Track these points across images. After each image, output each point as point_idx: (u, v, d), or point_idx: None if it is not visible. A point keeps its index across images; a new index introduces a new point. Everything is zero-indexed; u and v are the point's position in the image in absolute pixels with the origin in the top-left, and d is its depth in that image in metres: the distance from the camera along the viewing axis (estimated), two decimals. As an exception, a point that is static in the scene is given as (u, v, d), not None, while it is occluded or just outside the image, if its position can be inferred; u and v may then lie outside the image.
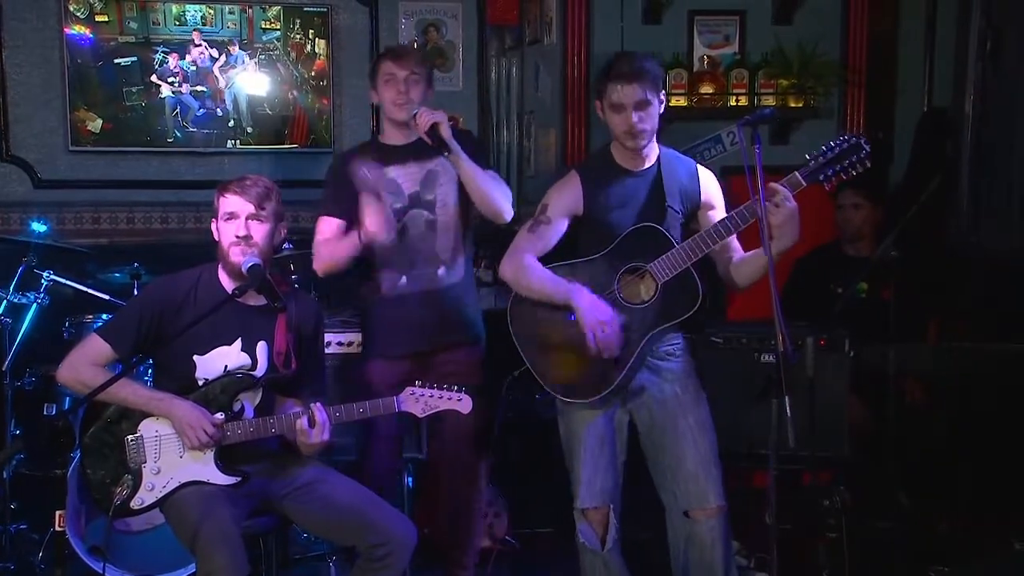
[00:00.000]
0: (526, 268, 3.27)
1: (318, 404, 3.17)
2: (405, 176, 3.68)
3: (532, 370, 3.32)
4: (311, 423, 3.13)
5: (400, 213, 3.65)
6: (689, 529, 3.27)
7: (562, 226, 3.30)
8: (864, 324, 3.88)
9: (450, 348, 3.73)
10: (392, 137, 3.73)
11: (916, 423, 4.04)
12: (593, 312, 3.15)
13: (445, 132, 3.52)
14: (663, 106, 3.28)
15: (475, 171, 3.58)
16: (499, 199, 3.63)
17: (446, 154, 3.53)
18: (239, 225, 3.20)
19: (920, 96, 5.20)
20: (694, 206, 3.34)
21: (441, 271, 3.70)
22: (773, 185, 3.08)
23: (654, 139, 3.31)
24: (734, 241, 3.31)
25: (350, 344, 4.37)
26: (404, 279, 3.67)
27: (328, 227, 3.66)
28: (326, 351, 3.69)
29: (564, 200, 3.31)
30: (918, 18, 5.17)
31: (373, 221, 3.49)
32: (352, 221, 3.59)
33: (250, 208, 3.21)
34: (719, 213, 3.33)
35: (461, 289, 3.76)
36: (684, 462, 3.25)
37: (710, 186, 3.37)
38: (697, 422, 3.27)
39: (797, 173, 3.12)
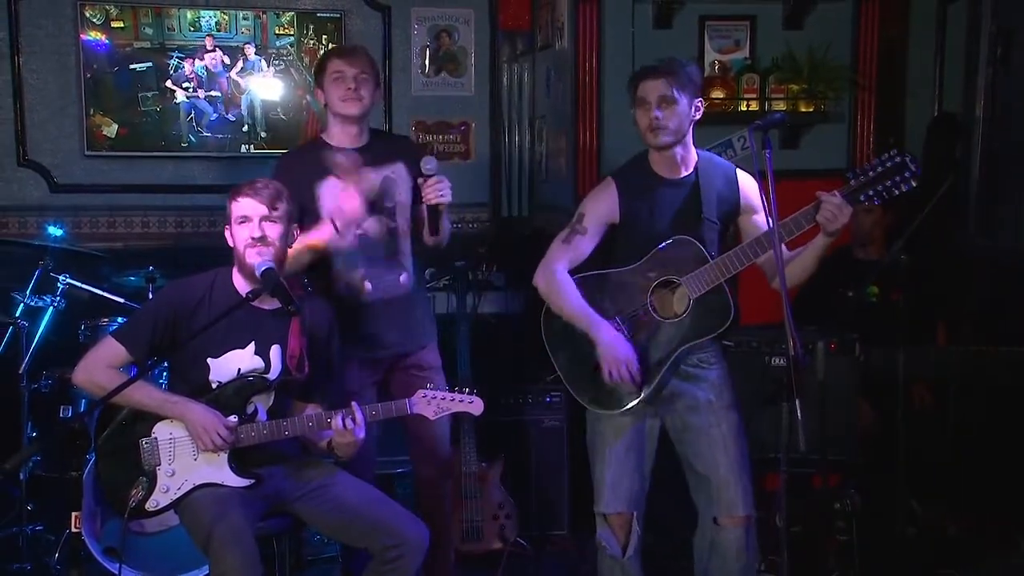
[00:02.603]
0: (558, 284, 3.24)
1: (355, 403, 3.18)
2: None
3: (562, 378, 3.31)
4: (353, 421, 3.14)
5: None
6: (714, 536, 3.27)
7: (597, 236, 3.28)
8: (874, 328, 3.89)
9: (416, 350, 3.74)
10: (339, 139, 3.63)
11: (925, 426, 4.05)
12: (612, 350, 3.14)
13: (445, 219, 3.54)
14: (698, 112, 3.25)
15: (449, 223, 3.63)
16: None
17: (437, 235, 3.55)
18: (253, 227, 3.20)
19: (930, 100, 5.18)
20: (733, 212, 3.30)
21: (403, 277, 3.68)
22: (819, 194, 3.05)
23: (691, 144, 3.28)
24: None
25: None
26: (370, 286, 3.63)
27: None
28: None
29: (600, 209, 3.28)
30: (928, 23, 5.17)
31: (348, 208, 3.51)
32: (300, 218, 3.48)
33: (263, 209, 3.21)
34: (761, 217, 3.26)
35: (418, 293, 3.78)
36: (717, 469, 3.23)
37: (749, 190, 3.30)
38: (730, 430, 3.25)
39: (837, 192, 3.05)
